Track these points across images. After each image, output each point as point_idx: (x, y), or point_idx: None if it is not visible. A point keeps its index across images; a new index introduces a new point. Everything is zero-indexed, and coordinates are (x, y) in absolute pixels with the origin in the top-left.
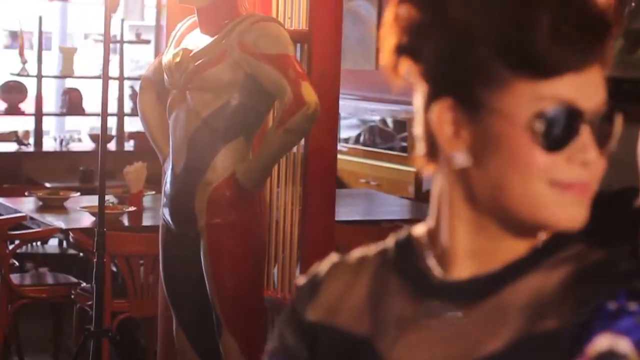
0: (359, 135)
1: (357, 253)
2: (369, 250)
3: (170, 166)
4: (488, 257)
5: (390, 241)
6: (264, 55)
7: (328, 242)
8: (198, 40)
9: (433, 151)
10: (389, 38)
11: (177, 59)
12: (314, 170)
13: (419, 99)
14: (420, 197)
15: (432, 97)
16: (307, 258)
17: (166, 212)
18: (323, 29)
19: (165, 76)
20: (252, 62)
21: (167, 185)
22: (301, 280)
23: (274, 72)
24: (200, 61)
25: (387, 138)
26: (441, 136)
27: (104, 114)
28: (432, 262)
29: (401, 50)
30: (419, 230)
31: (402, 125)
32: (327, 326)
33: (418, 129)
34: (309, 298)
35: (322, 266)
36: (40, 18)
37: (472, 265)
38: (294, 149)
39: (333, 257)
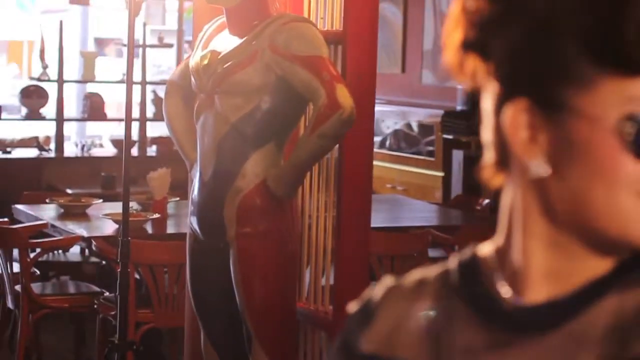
0: (384, 140)
1: (414, 275)
2: (428, 272)
3: (198, 173)
4: (567, 278)
5: (452, 262)
6: (296, 57)
7: (363, 250)
8: (226, 42)
9: (504, 159)
10: (455, 33)
11: (205, 62)
12: (349, 176)
13: (488, 100)
14: (449, 203)
15: (504, 99)
16: (342, 267)
17: (194, 221)
18: (358, 29)
19: (193, 79)
20: (283, 64)
21: (194, 193)
22: (353, 306)
23: (307, 74)
24: (229, 63)
25: (412, 142)
26: (515, 142)
27: (128, 119)
28: (501, 285)
29: (468, 46)
30: (486, 249)
31: (428, 129)
32: (383, 358)
33: (487, 135)
34: (363, 327)
35: (376, 291)
36: (61, 22)
37: (548, 288)
38: (328, 154)
39: (388, 281)
